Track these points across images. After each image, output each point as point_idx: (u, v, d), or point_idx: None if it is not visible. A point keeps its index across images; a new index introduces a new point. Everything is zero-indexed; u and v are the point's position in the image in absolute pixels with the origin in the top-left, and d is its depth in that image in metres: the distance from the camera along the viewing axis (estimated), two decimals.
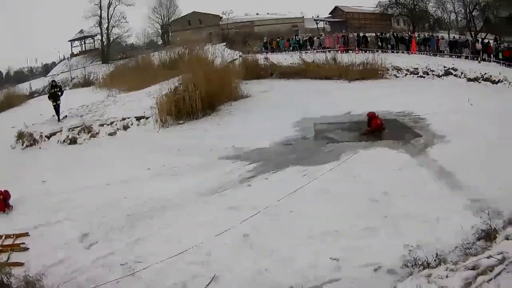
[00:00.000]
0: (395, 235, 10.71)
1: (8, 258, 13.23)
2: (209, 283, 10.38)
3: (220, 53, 34.95)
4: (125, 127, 25.15)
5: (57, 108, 27.58)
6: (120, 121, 25.49)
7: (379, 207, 12.19)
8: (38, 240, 13.83)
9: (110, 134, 24.89)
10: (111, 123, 25.51)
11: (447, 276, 8.32)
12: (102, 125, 25.50)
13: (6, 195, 17.17)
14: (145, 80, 37.34)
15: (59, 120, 27.30)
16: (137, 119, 25.46)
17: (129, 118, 25.62)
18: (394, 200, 12.48)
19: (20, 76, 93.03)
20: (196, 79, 25.81)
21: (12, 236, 14.52)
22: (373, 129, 19.09)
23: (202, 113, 25.55)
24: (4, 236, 14.54)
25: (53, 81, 30.61)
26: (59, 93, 27.64)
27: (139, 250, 12.29)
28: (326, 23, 76.70)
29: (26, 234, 14.49)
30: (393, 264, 9.66)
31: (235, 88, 29.07)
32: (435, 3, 60.69)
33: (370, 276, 9.53)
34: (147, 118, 25.40)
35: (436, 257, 9.20)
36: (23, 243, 13.91)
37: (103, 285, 10.96)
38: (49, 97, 27.76)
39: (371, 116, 19.30)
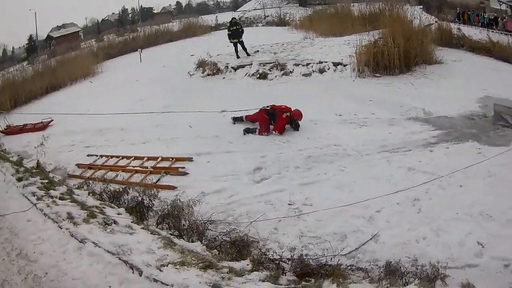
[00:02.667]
0: None
1: (158, 180, 14.08)
2: (367, 240, 10.52)
3: (418, 15, 33.75)
4: (321, 71, 25.34)
5: (237, 46, 28.34)
6: (317, 64, 25.72)
7: None
8: (202, 167, 14.65)
9: (304, 75, 25.21)
10: (307, 64, 25.81)
11: None
12: (297, 64, 25.91)
13: (295, 114, 17.11)
14: (344, 28, 37.98)
15: (238, 57, 28.07)
16: (334, 65, 25.48)
17: (326, 62, 25.73)
18: None
19: (204, 8, 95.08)
20: (395, 36, 25.52)
21: (170, 159, 15.33)
22: None
23: (398, 70, 25.13)
24: (160, 158, 15.48)
25: (233, 18, 30.71)
26: (240, 31, 28.27)
27: (310, 192, 12.54)
28: (508, 6, 73.68)
29: (189, 159, 15.23)
30: None
31: (431, 53, 28.14)
32: None
33: (499, 271, 9.47)
34: (344, 65, 25.37)
35: None
36: (183, 168, 14.59)
37: (263, 221, 11.33)
38: (230, 36, 28.34)
39: None
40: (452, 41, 34.66)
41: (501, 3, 75.83)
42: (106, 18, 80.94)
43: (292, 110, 17.03)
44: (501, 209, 11.35)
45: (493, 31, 38.87)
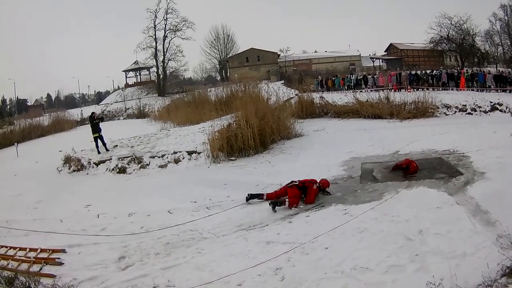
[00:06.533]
0: (420, 272, 10.94)
1: (40, 269, 14.30)
2: None
3: (275, 92, 36.19)
4: (176, 161, 26.34)
5: (98, 141, 29.66)
6: (172, 154, 26.80)
7: (412, 245, 12.43)
8: (75, 257, 14.91)
9: (161, 166, 26.19)
10: (162, 155, 26.92)
11: None
12: (153, 157, 26.98)
13: (323, 183, 18.11)
14: (201, 115, 39.70)
15: (98, 152, 29.19)
16: (188, 154, 26.61)
17: (180, 152, 26.84)
18: (427, 239, 12.68)
19: (71, 101, 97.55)
20: (249, 117, 26.71)
21: (47, 251, 15.63)
22: (410, 170, 19.35)
23: (254, 150, 26.38)
24: (39, 250, 15.70)
25: (93, 113, 32.74)
26: (99, 125, 29.92)
27: (172, 275, 12.88)
28: (382, 61, 78.27)
29: (63, 251, 15.60)
30: None
31: (289, 127, 30.06)
32: (482, 37, 62.29)
33: None
34: (199, 153, 26.47)
35: None
36: (59, 258, 14.94)
37: None
38: (93, 131, 29.85)
39: (407, 163, 19.64)
40: (314, 111, 37.43)
41: (373, 59, 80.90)
42: None
43: (319, 180, 18.09)
44: (379, 259, 11.83)
45: (361, 91, 41.43)
